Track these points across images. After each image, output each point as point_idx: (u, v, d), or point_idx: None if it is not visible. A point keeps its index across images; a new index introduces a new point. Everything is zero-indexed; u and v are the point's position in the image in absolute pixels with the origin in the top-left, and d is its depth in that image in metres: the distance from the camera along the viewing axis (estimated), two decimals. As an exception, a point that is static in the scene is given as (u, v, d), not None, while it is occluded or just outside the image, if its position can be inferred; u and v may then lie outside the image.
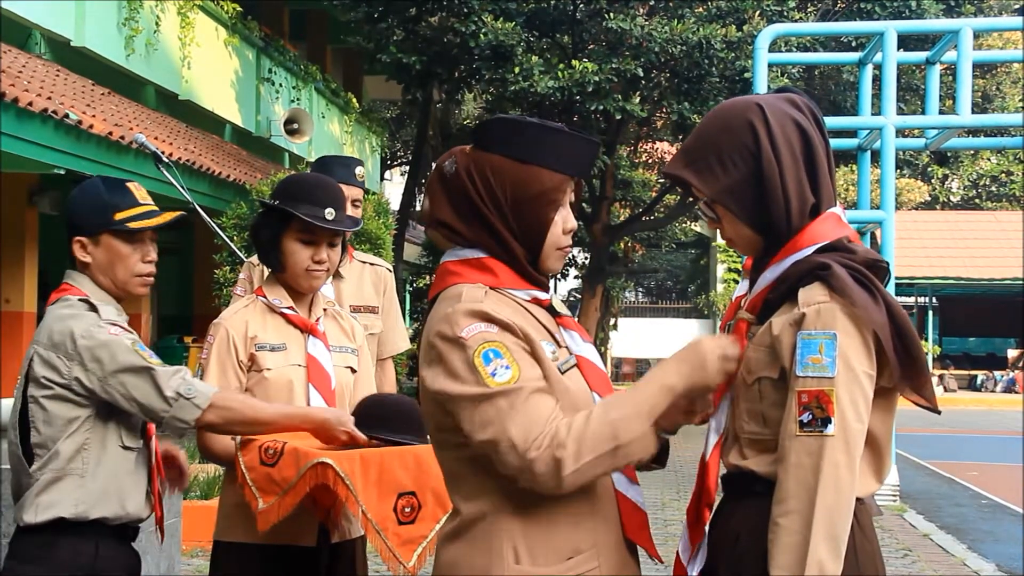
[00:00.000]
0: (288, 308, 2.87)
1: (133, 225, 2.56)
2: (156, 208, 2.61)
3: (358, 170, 3.70)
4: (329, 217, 2.79)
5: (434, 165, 1.96)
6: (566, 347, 1.95)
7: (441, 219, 1.95)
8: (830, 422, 1.81)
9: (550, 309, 1.98)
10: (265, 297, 2.89)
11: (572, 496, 1.83)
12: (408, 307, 19.59)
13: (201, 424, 2.48)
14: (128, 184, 2.61)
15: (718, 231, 2.05)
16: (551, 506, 1.83)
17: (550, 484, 1.76)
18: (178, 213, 2.64)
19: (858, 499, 1.88)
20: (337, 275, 3.63)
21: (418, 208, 23.12)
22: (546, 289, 1.96)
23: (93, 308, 2.52)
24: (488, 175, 1.90)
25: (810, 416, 1.82)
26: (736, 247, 2.04)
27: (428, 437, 2.00)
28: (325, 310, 2.97)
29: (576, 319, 2.07)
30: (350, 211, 3.26)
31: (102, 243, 2.56)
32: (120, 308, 2.61)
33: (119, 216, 2.54)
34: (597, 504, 1.90)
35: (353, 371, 2.98)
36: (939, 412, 1.96)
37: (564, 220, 1.94)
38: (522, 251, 1.92)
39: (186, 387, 2.46)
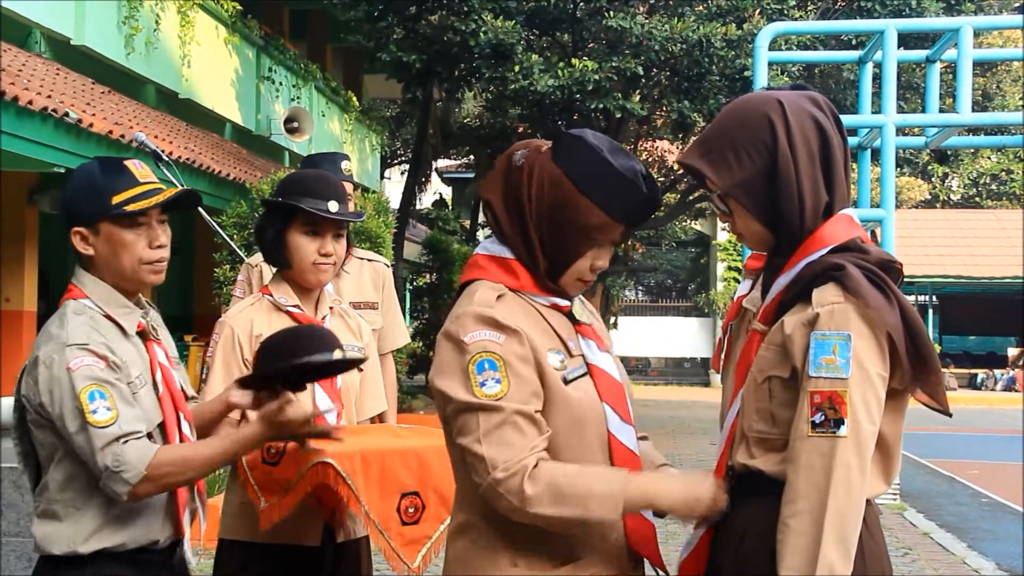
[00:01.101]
0: (294, 307, 2.86)
1: (132, 207, 2.26)
2: (160, 186, 2.32)
3: (344, 164, 3.72)
4: (333, 209, 2.81)
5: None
6: (581, 355, 1.96)
7: (488, 200, 1.99)
8: (843, 423, 1.80)
9: (570, 316, 1.99)
10: (271, 295, 2.89)
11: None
12: (408, 305, 19.57)
13: (134, 497, 2.19)
14: (126, 163, 2.33)
15: (726, 226, 2.07)
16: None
17: (511, 506, 1.81)
18: (181, 188, 2.36)
19: (866, 500, 1.88)
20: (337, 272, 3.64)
21: (418, 207, 23.11)
22: (566, 296, 1.98)
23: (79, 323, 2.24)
24: (545, 184, 1.92)
25: (822, 417, 1.81)
26: (745, 241, 2.03)
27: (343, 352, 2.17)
28: (332, 308, 2.97)
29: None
30: None
31: (102, 232, 2.28)
32: (130, 305, 2.34)
33: (116, 199, 2.26)
34: (601, 527, 1.90)
35: (360, 370, 2.97)
36: (950, 415, 1.95)
37: (595, 257, 1.96)
38: (545, 265, 1.95)
39: (114, 460, 2.15)
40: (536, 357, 1.87)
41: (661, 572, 2.03)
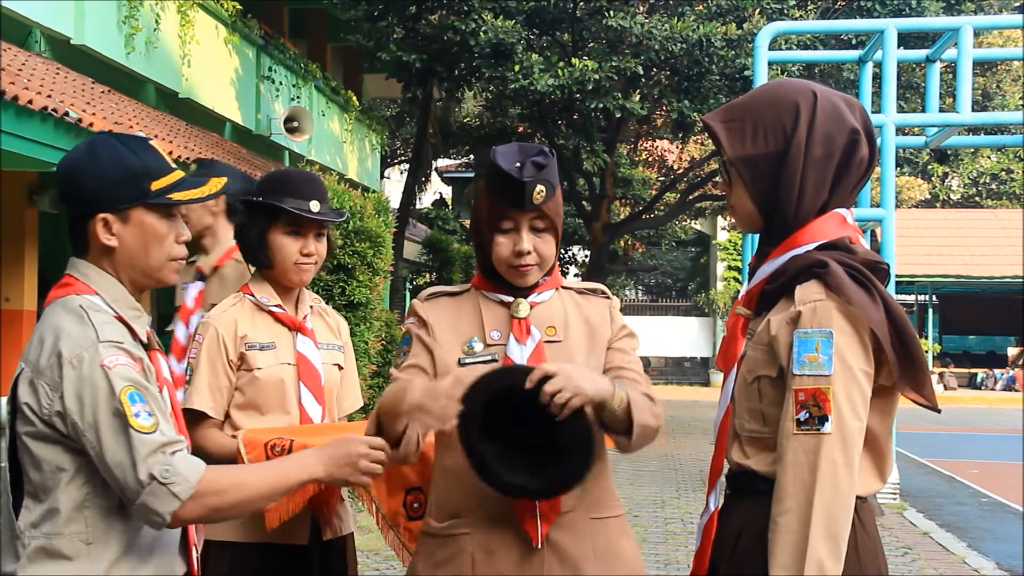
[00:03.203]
0: (276, 306, 2.87)
1: (178, 197, 2.01)
2: (183, 174, 2.09)
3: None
4: (315, 209, 2.81)
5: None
6: (502, 345, 2.24)
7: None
8: (827, 420, 1.80)
9: (512, 309, 2.28)
10: (252, 295, 2.89)
11: (459, 473, 2.15)
12: (408, 304, 19.57)
13: (177, 520, 1.87)
14: (151, 143, 2.07)
15: (726, 225, 2.11)
16: (447, 476, 2.23)
17: None
18: (224, 181, 2.14)
19: (860, 498, 1.87)
20: (202, 275, 3.72)
21: (418, 206, 23.11)
22: (513, 294, 2.28)
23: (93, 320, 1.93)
24: (474, 199, 2.34)
25: (807, 414, 1.82)
26: (735, 218, 2.04)
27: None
28: (312, 307, 2.97)
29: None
30: None
31: (133, 220, 1.99)
32: (140, 308, 2.05)
33: (157, 186, 1.99)
34: (485, 489, 2.12)
35: (340, 368, 2.98)
36: (939, 411, 1.95)
37: (514, 243, 2.22)
38: (483, 263, 2.30)
39: (163, 468, 1.84)
40: (432, 336, 2.26)
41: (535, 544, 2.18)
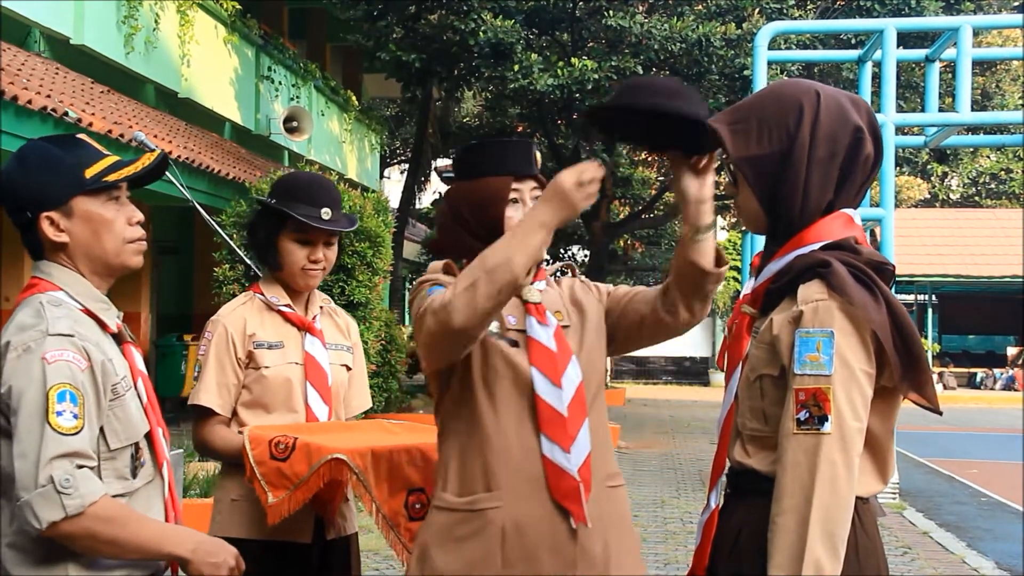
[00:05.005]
0: (285, 306, 2.87)
1: (113, 177, 2.02)
2: (121, 158, 2.09)
3: None
4: (325, 217, 2.80)
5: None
6: (521, 329, 2.22)
7: (434, 246, 2.39)
8: (827, 420, 1.79)
9: (524, 295, 2.27)
10: (262, 294, 2.89)
11: (485, 447, 2.15)
12: (405, 304, 19.58)
13: (53, 532, 1.83)
14: (79, 136, 2.09)
15: (725, 224, 2.10)
16: (470, 450, 2.17)
17: (442, 318, 2.05)
18: (156, 153, 2.13)
19: (861, 498, 1.87)
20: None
21: (417, 206, 23.11)
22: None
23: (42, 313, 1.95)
24: (452, 199, 2.29)
25: (807, 414, 1.81)
26: (742, 218, 2.04)
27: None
28: (322, 307, 2.97)
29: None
30: None
31: (77, 212, 2.00)
32: (108, 301, 2.07)
33: (91, 172, 2.01)
34: (516, 459, 2.13)
35: (348, 369, 2.98)
36: (940, 413, 1.94)
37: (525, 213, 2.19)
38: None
39: (64, 476, 1.81)
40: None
41: (577, 522, 2.14)
